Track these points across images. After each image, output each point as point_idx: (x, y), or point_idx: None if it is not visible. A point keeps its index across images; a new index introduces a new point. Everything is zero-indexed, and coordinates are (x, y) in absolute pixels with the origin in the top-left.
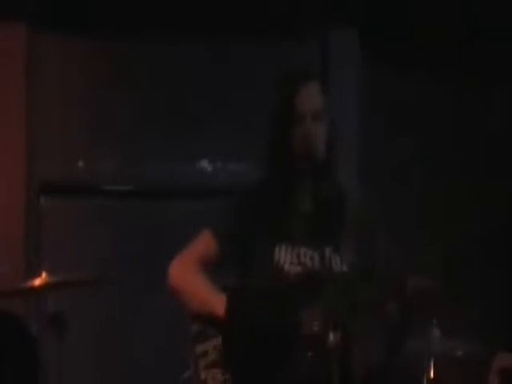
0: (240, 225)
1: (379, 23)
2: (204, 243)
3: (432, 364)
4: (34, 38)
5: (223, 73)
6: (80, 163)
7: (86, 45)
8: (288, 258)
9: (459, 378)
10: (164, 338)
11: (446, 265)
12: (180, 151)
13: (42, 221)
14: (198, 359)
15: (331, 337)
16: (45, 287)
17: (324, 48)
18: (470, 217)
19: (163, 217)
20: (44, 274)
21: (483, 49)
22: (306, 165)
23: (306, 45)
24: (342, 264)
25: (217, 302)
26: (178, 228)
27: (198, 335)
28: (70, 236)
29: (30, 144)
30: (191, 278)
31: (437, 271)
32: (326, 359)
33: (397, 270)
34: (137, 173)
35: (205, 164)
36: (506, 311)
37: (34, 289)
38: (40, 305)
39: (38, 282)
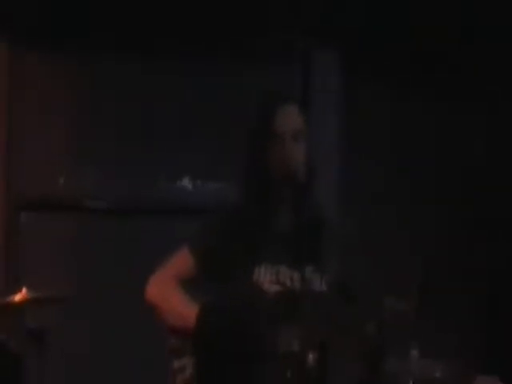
0: (219, 243)
1: (361, 44)
2: (182, 259)
3: None
4: (16, 56)
5: (204, 92)
6: (60, 180)
7: (67, 63)
8: (267, 278)
9: None
10: (141, 354)
11: (424, 287)
12: (160, 169)
13: (22, 237)
14: (175, 374)
15: (310, 357)
16: (25, 303)
17: (305, 69)
18: (447, 239)
19: (142, 234)
20: (24, 290)
21: (467, 69)
22: (286, 184)
23: (287, 65)
24: (321, 284)
25: (194, 318)
26: (156, 245)
27: (176, 350)
28: (49, 252)
29: (10, 160)
30: (168, 293)
31: (414, 293)
32: (304, 379)
33: (375, 290)
34: (116, 190)
35: (185, 182)
36: (484, 333)
37: (14, 304)
38: (20, 321)
39: (18, 297)
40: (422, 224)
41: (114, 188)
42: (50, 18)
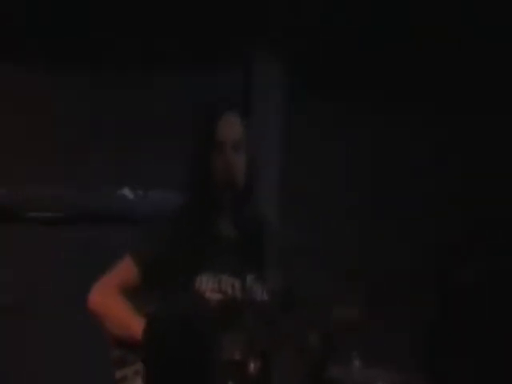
0: (161, 251)
1: (304, 52)
2: (124, 268)
3: None
4: None
5: (146, 100)
6: (2, 190)
7: (14, 71)
8: (209, 286)
9: None
10: (87, 363)
11: (368, 295)
12: (102, 178)
13: None
14: None
15: (252, 365)
16: None
17: (247, 77)
18: (392, 249)
19: (83, 243)
20: None
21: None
22: (227, 193)
23: (229, 74)
24: (262, 293)
25: (137, 327)
26: (99, 254)
27: (118, 360)
28: None
29: None
30: (111, 302)
31: (359, 301)
32: None
33: (319, 299)
34: (59, 199)
35: (125, 192)
36: (425, 342)
37: None
38: None
39: None
40: (366, 232)
41: (58, 198)
42: None
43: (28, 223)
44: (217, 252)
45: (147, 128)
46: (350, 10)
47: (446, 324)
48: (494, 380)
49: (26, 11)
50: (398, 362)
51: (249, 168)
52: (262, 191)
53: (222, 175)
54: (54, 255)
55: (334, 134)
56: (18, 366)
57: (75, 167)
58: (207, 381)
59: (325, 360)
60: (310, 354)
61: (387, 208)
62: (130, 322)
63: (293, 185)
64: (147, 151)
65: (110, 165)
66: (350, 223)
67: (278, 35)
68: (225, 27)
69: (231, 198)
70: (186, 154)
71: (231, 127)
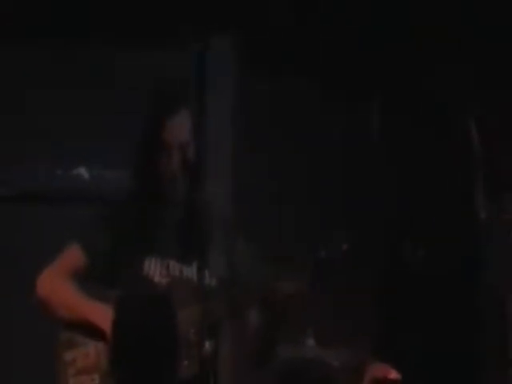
0: (108, 237)
1: (257, 30)
2: (72, 256)
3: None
4: None
5: (99, 78)
6: None
7: None
8: (157, 271)
9: None
10: (31, 346)
11: (316, 269)
12: (57, 157)
13: None
14: (66, 366)
15: (207, 345)
16: None
17: (200, 59)
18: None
19: (38, 222)
20: None
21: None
22: (173, 182)
23: (181, 55)
24: (210, 275)
25: (91, 310)
26: (51, 234)
27: (67, 342)
28: None
29: None
30: (60, 286)
31: (306, 275)
32: (201, 367)
33: (262, 276)
34: (13, 178)
35: (81, 171)
36: (377, 320)
37: None
38: None
39: None
40: (320, 209)
41: (12, 176)
42: None
43: None
44: (164, 237)
45: (102, 106)
46: None
47: (397, 301)
48: (445, 356)
49: None
50: (352, 341)
51: (195, 157)
52: (214, 176)
53: (168, 172)
54: (9, 234)
55: (289, 110)
56: None
57: (31, 145)
58: (163, 362)
59: (271, 338)
60: (258, 330)
61: (335, 186)
62: (80, 303)
63: (246, 167)
64: (102, 130)
65: (66, 144)
66: (299, 200)
67: (230, 16)
68: (179, 10)
69: (179, 184)
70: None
71: (178, 128)
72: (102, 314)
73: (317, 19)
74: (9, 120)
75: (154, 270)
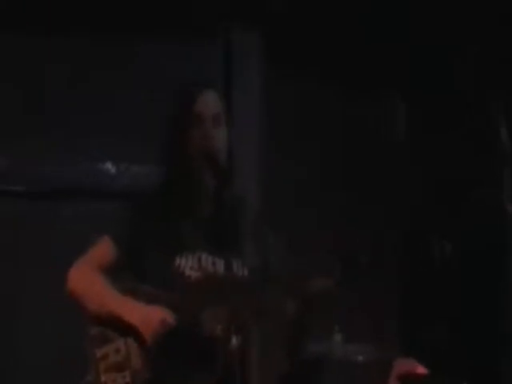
0: (139, 230)
1: (283, 27)
2: (103, 249)
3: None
4: None
5: (127, 73)
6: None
7: None
8: (189, 264)
9: (360, 382)
10: (63, 341)
11: (345, 267)
12: (83, 152)
13: None
14: (98, 362)
15: (233, 340)
16: None
17: (226, 51)
18: (367, 221)
19: (64, 217)
20: None
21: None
22: (207, 170)
23: (208, 48)
24: (243, 268)
25: (117, 304)
26: (79, 229)
27: (98, 338)
28: None
29: None
30: (91, 280)
31: (336, 273)
32: (228, 362)
33: (295, 271)
34: (38, 173)
35: (108, 165)
36: (402, 316)
37: None
38: None
39: None
40: (342, 203)
41: (36, 170)
42: None
43: (4, 196)
44: (196, 231)
45: (128, 101)
46: None
47: (424, 296)
48: (471, 351)
49: None
50: (378, 337)
51: (229, 146)
52: (240, 168)
53: (202, 148)
54: (34, 229)
55: (315, 113)
56: None
57: (57, 140)
58: (194, 358)
59: (303, 331)
60: (289, 326)
61: (362, 183)
62: (111, 299)
63: (272, 161)
64: (129, 125)
65: (92, 138)
66: (325, 198)
67: (257, 9)
68: (204, 4)
69: (211, 176)
70: (165, 127)
71: (210, 102)
72: (131, 309)
73: (342, 19)
74: (36, 118)
75: (186, 263)
